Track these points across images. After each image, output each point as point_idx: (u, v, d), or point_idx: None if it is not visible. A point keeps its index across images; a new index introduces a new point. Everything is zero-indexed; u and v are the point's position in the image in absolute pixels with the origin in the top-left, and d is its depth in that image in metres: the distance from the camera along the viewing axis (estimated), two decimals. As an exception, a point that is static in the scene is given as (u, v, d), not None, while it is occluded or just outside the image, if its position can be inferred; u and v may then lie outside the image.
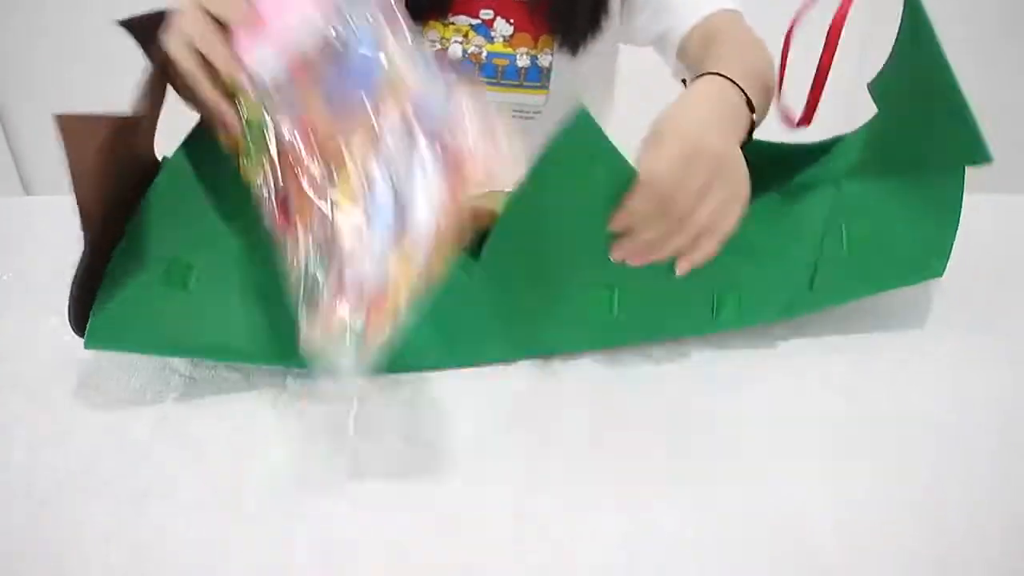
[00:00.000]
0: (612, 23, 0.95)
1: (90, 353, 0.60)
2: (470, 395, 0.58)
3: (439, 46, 0.95)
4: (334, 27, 0.48)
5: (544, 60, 0.96)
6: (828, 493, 0.50)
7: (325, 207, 0.46)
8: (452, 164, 0.45)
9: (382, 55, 0.48)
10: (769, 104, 0.72)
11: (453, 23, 0.94)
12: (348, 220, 0.45)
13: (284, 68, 0.48)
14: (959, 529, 0.48)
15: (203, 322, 0.57)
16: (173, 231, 0.57)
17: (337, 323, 0.44)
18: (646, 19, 0.93)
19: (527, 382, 0.59)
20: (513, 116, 1.01)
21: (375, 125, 0.46)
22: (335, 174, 0.46)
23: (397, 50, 0.48)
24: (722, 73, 0.62)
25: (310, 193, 0.46)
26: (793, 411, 0.57)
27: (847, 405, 0.58)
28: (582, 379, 0.60)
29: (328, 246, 0.46)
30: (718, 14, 0.85)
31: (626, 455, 0.53)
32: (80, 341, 0.61)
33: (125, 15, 0.54)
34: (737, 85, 0.62)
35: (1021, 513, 0.49)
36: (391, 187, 0.46)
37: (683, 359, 0.62)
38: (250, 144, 0.49)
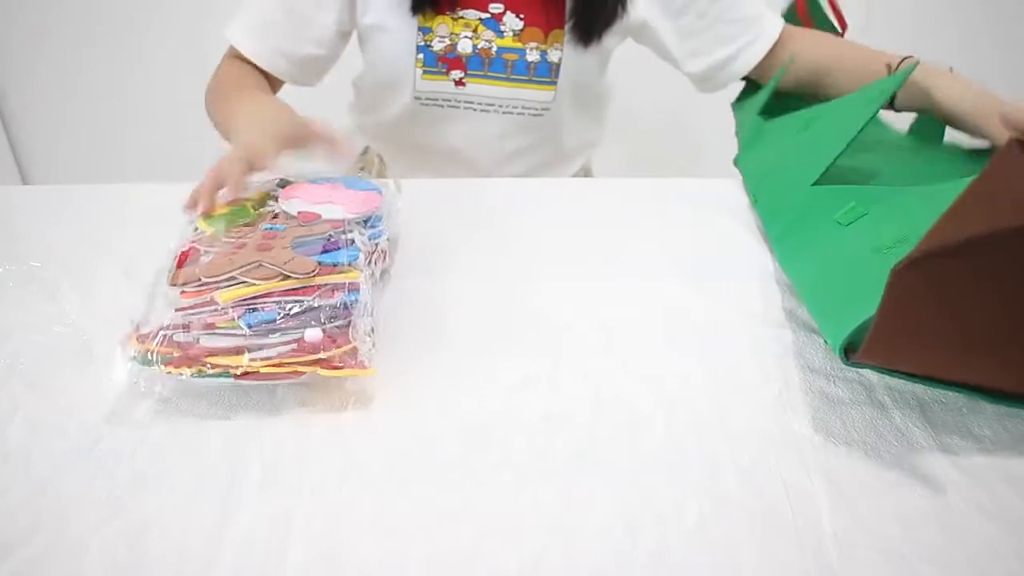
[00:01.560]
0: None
1: (88, 342, 0.61)
2: (468, 384, 0.58)
3: (448, 41, 0.94)
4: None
5: (554, 55, 0.96)
6: (829, 475, 0.51)
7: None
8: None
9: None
10: None
11: (463, 17, 0.94)
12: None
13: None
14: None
15: None
16: None
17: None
18: (702, 43, 0.98)
19: (526, 370, 0.60)
20: (521, 113, 1.01)
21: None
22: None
23: None
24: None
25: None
26: (792, 393, 0.57)
27: (847, 391, 0.58)
28: (582, 365, 0.60)
29: None
30: (786, 30, 0.97)
31: (628, 440, 0.53)
32: (78, 329, 0.62)
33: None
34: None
35: None
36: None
37: (686, 344, 0.63)
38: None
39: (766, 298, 0.69)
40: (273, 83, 0.97)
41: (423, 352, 0.61)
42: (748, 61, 0.97)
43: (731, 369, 0.60)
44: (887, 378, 0.59)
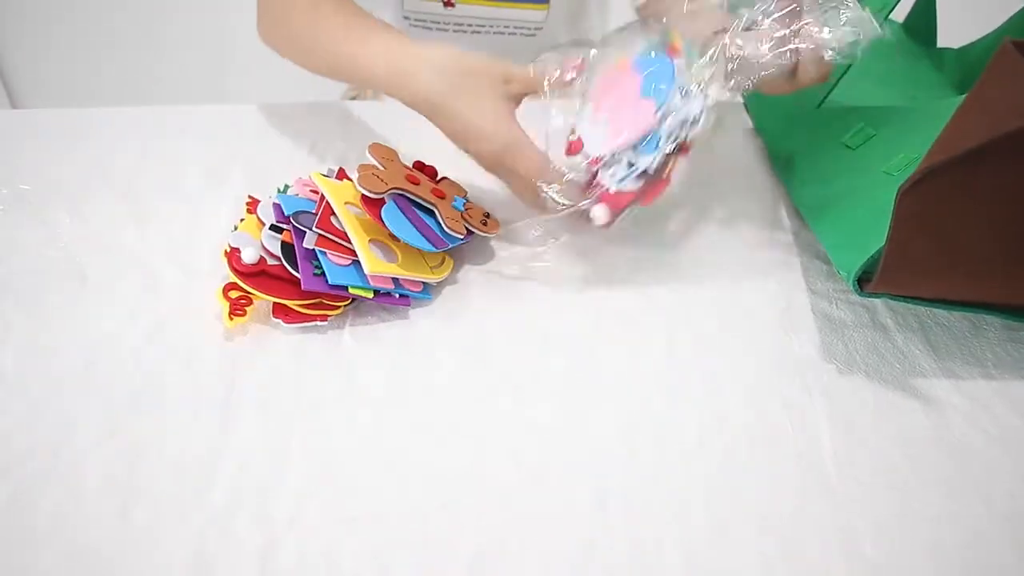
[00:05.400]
0: None
1: (82, 265, 0.60)
2: (468, 301, 0.58)
3: None
4: None
5: None
6: (830, 396, 0.51)
7: None
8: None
9: None
10: None
11: None
12: None
13: None
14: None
15: None
16: None
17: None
18: None
19: (525, 288, 0.59)
20: (512, 33, 0.98)
21: None
22: None
23: None
24: None
25: None
26: (794, 314, 0.57)
27: (849, 313, 0.58)
28: (581, 283, 0.60)
29: None
30: None
31: (629, 358, 0.53)
32: (70, 252, 0.61)
33: None
34: None
35: None
36: None
37: (688, 265, 0.62)
38: None
39: (769, 220, 0.67)
40: None
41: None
42: None
43: (733, 290, 0.60)
44: (891, 301, 0.58)
